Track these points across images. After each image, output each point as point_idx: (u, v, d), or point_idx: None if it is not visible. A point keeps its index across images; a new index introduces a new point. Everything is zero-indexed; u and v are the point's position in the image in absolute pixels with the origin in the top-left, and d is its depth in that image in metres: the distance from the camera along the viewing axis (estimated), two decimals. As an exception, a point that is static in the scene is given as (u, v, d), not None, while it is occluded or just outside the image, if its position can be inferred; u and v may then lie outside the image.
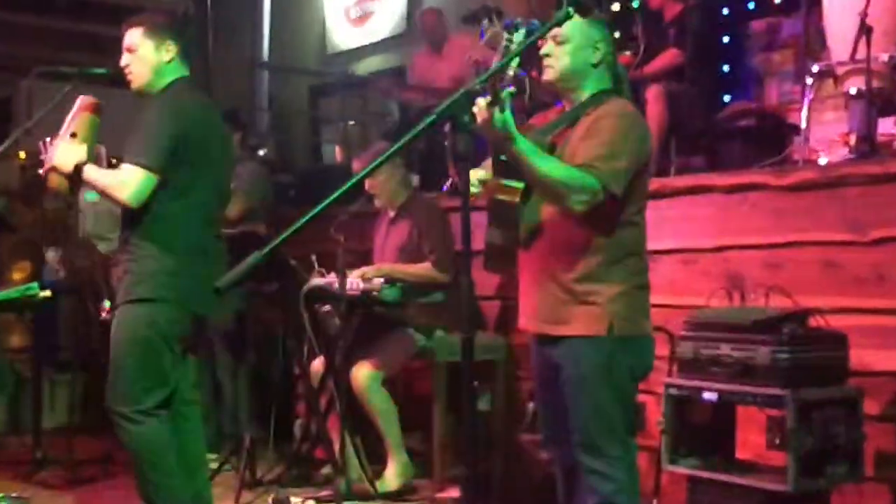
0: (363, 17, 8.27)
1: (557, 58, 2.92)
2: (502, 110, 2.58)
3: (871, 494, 3.57)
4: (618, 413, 2.94)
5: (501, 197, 2.90)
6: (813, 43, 5.21)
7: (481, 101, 2.52)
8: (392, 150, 2.20)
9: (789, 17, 5.73)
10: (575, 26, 2.89)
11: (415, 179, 5.61)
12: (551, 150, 2.93)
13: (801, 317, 3.59)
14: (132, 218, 3.42)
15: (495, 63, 2.64)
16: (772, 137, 5.30)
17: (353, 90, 7.71)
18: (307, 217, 2.10)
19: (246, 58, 8.25)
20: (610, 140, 2.82)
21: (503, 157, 2.77)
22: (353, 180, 2.11)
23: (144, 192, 3.33)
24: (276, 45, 8.76)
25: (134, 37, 3.48)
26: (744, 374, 3.48)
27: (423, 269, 4.73)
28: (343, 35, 8.43)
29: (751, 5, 6.09)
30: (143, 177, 3.32)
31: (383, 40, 8.08)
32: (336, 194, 2.19)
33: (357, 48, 8.28)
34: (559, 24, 2.57)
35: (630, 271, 2.95)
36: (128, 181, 3.32)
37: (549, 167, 2.77)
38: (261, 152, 7.13)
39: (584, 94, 2.94)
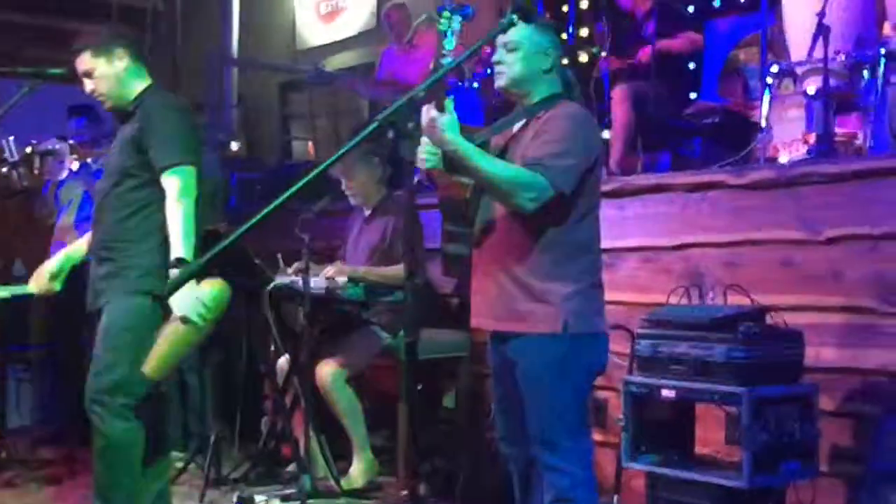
0: (333, 13, 8.27)
1: (509, 65, 2.97)
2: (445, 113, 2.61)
3: (825, 490, 3.61)
4: (573, 409, 2.98)
5: (453, 193, 2.94)
6: (777, 42, 5.25)
7: (426, 107, 2.56)
8: (332, 159, 2.20)
9: (754, 15, 5.76)
10: (525, 33, 2.94)
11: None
12: (502, 151, 2.97)
13: (757, 315, 3.63)
14: (114, 216, 3.43)
15: (443, 64, 2.66)
16: (737, 135, 5.33)
17: (324, 86, 7.71)
18: (246, 226, 2.09)
19: (215, 54, 8.23)
20: (559, 139, 2.86)
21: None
22: (287, 194, 2.11)
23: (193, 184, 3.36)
24: (246, 41, 8.75)
25: (85, 61, 3.48)
26: (701, 371, 3.51)
27: (396, 271, 4.74)
28: (313, 31, 8.43)
29: (717, 3, 6.13)
30: (188, 173, 3.35)
31: (354, 36, 8.10)
32: (273, 205, 2.19)
33: (327, 44, 8.29)
34: (503, 30, 2.61)
35: (584, 269, 2.98)
36: (179, 187, 3.34)
37: (495, 168, 2.81)
38: (234, 146, 7.13)
39: (536, 99, 2.99)
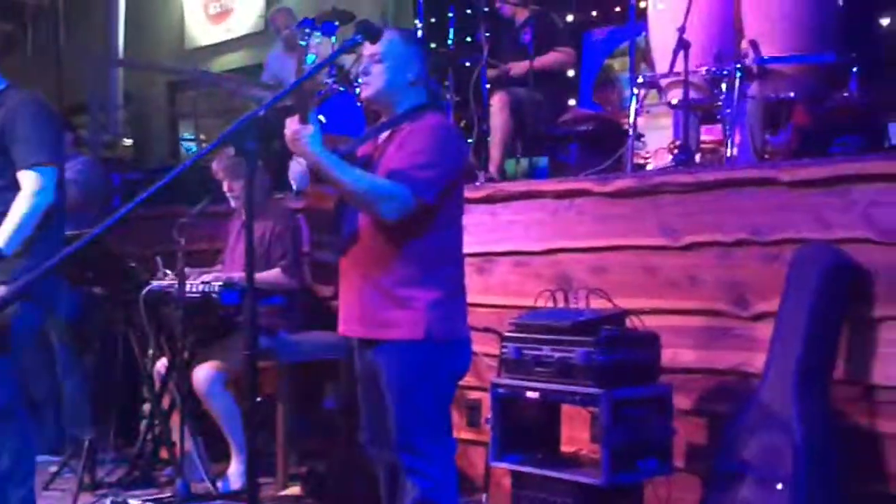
0: (222, 14, 8.23)
1: (374, 76, 3.02)
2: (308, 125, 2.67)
3: (681, 486, 3.78)
4: (435, 414, 3.06)
5: (319, 203, 3.00)
6: (648, 52, 5.44)
7: (289, 119, 2.61)
8: (174, 173, 2.24)
9: (628, 25, 5.95)
10: (391, 45, 3.01)
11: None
12: (367, 162, 3.04)
13: (617, 318, 3.78)
14: None
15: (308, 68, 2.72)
16: (611, 143, 5.51)
17: (212, 87, 7.67)
18: (94, 232, 2.12)
19: (96, 53, 8.10)
20: (422, 151, 2.93)
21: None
22: (145, 195, 2.15)
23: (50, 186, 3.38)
24: (133, 40, 8.64)
25: None
26: (564, 373, 3.64)
27: (273, 275, 4.77)
28: (202, 31, 8.38)
29: (593, 13, 6.32)
30: (47, 173, 3.37)
31: (242, 37, 8.07)
32: (133, 203, 2.22)
33: (216, 44, 8.24)
34: (348, 50, 2.67)
35: (447, 277, 3.06)
36: (34, 185, 3.33)
37: (358, 179, 2.88)
38: (120, 146, 7.04)
39: (401, 110, 3.06)
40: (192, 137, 8.41)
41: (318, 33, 2.74)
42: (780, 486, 3.30)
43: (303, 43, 2.74)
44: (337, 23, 6.06)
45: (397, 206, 2.89)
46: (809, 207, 3.63)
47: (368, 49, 3.01)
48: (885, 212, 3.45)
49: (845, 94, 4.17)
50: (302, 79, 2.51)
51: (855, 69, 4.17)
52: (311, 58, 2.70)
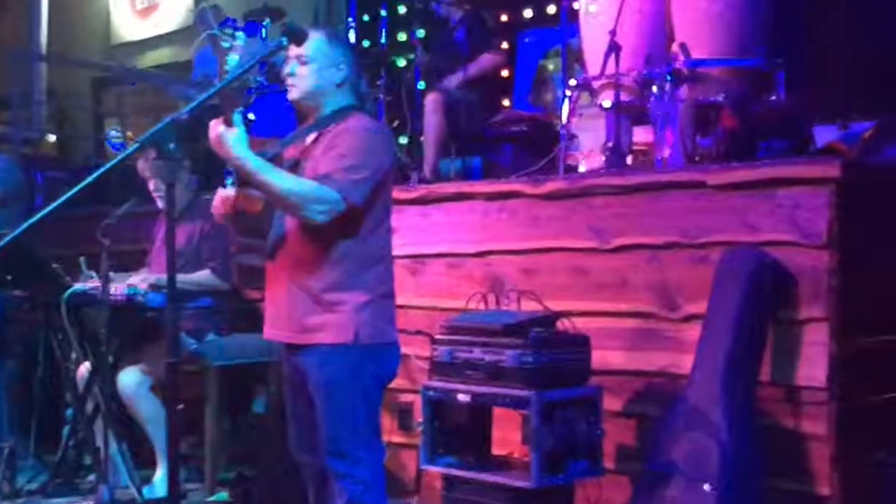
0: (149, 9, 8.09)
1: (302, 78, 3.00)
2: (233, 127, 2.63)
3: (611, 487, 3.79)
4: (364, 418, 3.04)
5: (246, 206, 2.95)
6: (581, 54, 5.46)
7: (213, 122, 2.56)
8: (96, 175, 2.18)
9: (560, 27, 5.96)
10: (318, 46, 2.99)
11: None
12: (294, 164, 3.00)
13: (548, 321, 3.78)
14: None
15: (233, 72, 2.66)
16: (544, 144, 5.51)
17: (139, 83, 7.53)
18: (18, 230, 2.06)
19: (16, 47, 7.90)
20: (350, 153, 2.91)
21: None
22: (67, 196, 2.09)
23: None
24: (56, 34, 8.43)
25: None
26: (494, 376, 3.64)
27: (203, 276, 4.70)
28: (128, 26, 8.23)
29: (527, 13, 6.32)
30: None
31: (170, 33, 7.93)
32: (56, 203, 2.16)
33: (143, 40, 8.10)
34: (272, 54, 2.64)
35: (375, 280, 3.04)
36: None
37: (284, 181, 2.84)
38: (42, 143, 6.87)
39: (328, 112, 3.03)
40: (118, 135, 8.25)
41: (242, 33, 2.69)
42: (706, 487, 3.32)
43: (226, 44, 2.68)
44: (267, 20, 6.01)
45: (325, 209, 2.86)
46: (736, 210, 3.66)
47: (295, 50, 2.99)
48: (809, 215, 3.50)
49: (773, 98, 4.22)
50: (224, 83, 2.46)
51: (782, 74, 4.22)
52: (232, 60, 2.65)
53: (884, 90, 4.46)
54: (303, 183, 2.87)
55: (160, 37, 7.99)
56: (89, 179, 2.24)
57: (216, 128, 2.70)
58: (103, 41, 8.34)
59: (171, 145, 2.14)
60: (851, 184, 3.46)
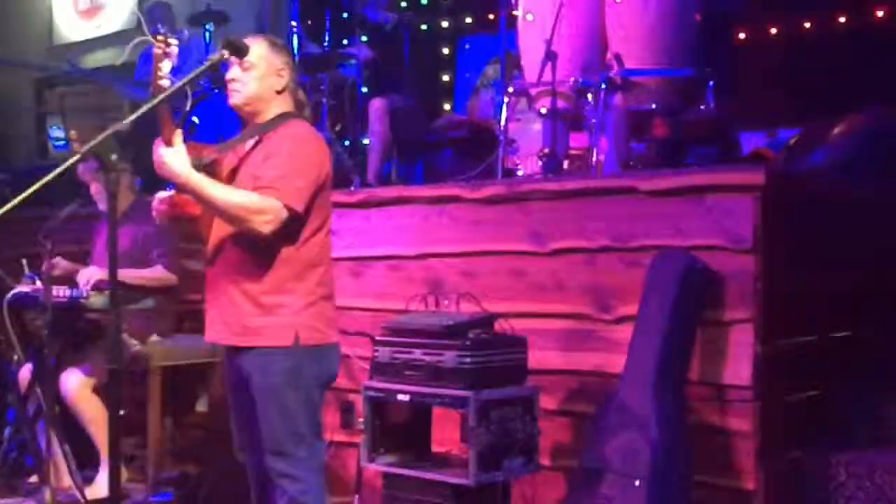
0: (92, 10, 8.05)
1: (244, 83, 3.06)
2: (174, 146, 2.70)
3: (546, 483, 3.90)
4: (304, 418, 3.11)
5: (185, 210, 3.02)
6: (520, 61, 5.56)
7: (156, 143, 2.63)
8: (39, 185, 2.24)
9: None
10: (261, 53, 3.06)
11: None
12: (233, 171, 3.06)
13: (486, 322, 3.87)
14: None
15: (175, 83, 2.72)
16: (483, 149, 5.62)
17: (82, 84, 7.49)
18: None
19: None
20: (289, 160, 2.99)
21: None
22: (9, 206, 2.13)
23: None
24: (-2, 34, 8.39)
25: None
26: (434, 377, 3.71)
27: (156, 273, 4.73)
28: (71, 27, 8.18)
29: (468, 20, 6.42)
30: None
31: (113, 34, 7.90)
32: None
33: (85, 41, 8.05)
34: (213, 66, 2.71)
35: (315, 283, 3.11)
36: None
37: (227, 196, 2.92)
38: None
39: (267, 118, 3.10)
40: (61, 134, 8.20)
41: (175, 39, 2.74)
42: (637, 483, 3.44)
43: (159, 51, 2.74)
44: (211, 24, 6.04)
45: (269, 219, 2.93)
46: (667, 216, 3.79)
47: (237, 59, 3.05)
48: (735, 220, 3.63)
49: (702, 107, 4.37)
50: (167, 93, 2.52)
51: (711, 83, 4.37)
52: (166, 66, 2.70)
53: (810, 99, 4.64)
54: (245, 196, 2.94)
55: (103, 38, 7.95)
56: (33, 189, 2.29)
57: (157, 150, 2.78)
58: (45, 42, 8.28)
59: (113, 156, 2.20)
60: (776, 190, 3.60)
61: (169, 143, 2.77)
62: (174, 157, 2.80)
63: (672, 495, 3.49)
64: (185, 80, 2.59)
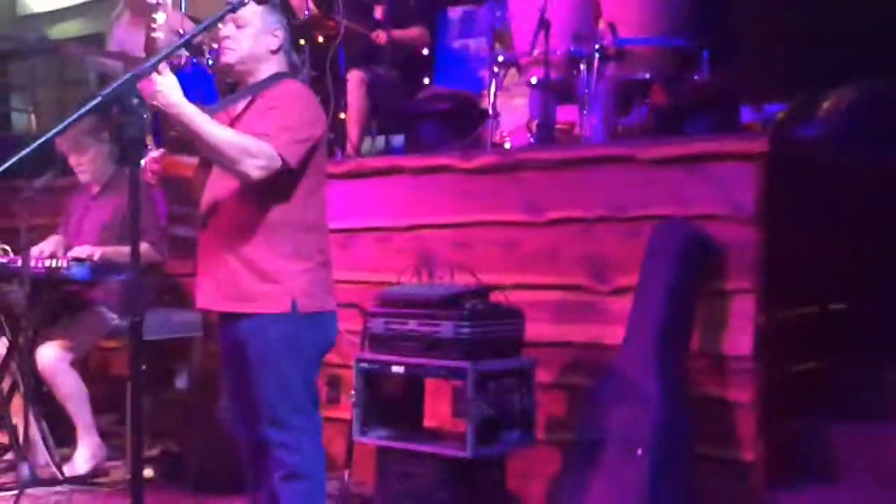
0: (58, -20, 7.85)
1: (238, 41, 2.95)
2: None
3: (542, 457, 3.85)
4: (301, 387, 3.01)
5: (175, 172, 2.91)
6: (505, 32, 5.48)
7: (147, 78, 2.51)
8: (51, 133, 2.12)
9: (484, 5, 5.98)
10: (255, 11, 2.94)
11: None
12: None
13: (482, 293, 3.80)
14: None
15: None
16: (466, 121, 5.53)
17: (47, 55, 7.29)
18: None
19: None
20: (285, 114, 2.89)
21: (175, 132, 2.77)
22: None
23: None
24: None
25: None
26: (430, 348, 3.64)
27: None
28: (36, -3, 7.97)
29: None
30: None
31: (81, 4, 7.71)
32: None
33: (52, 11, 7.85)
34: (233, 10, 2.60)
35: (313, 248, 3.01)
36: None
37: (222, 133, 2.80)
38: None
39: (261, 78, 3.00)
40: (24, 109, 7.99)
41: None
42: (640, 452, 3.39)
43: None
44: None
45: (262, 164, 2.81)
46: (667, 185, 3.74)
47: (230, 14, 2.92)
48: (737, 189, 3.59)
49: (697, 76, 4.31)
50: (191, 36, 2.41)
51: (707, 53, 4.32)
52: (161, 16, 2.58)
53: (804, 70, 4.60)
54: (240, 135, 2.82)
55: (69, 8, 7.75)
56: (35, 145, 2.17)
57: (152, 77, 2.62)
58: (9, 12, 8.06)
59: (135, 100, 2.08)
60: (778, 158, 3.56)
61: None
62: (167, 83, 2.66)
63: (673, 465, 3.45)
64: (202, 26, 2.48)
